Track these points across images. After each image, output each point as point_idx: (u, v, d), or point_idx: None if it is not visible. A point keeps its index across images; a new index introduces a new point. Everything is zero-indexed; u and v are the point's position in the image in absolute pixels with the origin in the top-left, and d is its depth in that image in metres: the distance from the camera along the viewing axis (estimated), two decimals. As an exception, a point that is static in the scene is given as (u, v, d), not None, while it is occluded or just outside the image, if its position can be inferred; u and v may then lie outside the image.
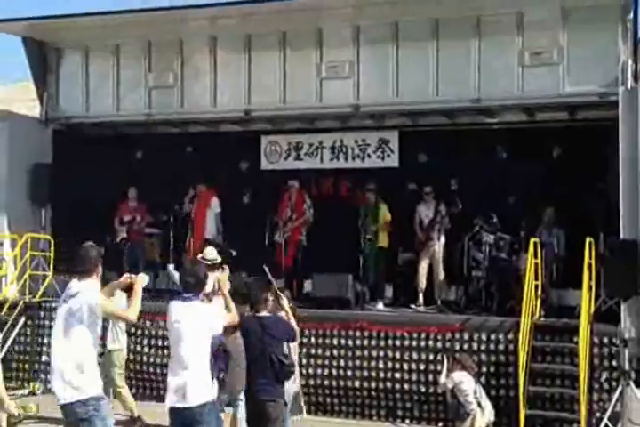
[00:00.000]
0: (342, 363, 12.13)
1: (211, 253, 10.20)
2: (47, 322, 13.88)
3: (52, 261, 14.64)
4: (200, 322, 7.06)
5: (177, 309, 7.19)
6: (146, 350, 13.17)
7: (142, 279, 7.13)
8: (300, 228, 14.45)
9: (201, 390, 6.95)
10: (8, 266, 14.65)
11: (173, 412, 7.06)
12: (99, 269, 6.86)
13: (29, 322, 14.15)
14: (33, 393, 13.43)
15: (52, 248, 14.74)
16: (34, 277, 14.56)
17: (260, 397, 7.81)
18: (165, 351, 12.90)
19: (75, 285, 6.72)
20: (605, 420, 10.65)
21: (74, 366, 6.58)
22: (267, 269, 8.58)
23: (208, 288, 9.66)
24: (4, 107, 17.71)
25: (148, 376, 13.12)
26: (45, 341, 13.76)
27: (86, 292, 6.63)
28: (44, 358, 13.88)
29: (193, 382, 6.92)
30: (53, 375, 6.76)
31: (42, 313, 14.09)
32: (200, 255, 10.31)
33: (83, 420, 6.55)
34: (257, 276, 7.81)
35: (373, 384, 12.03)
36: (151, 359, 13.09)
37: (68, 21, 15.35)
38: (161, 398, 12.57)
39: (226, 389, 8.48)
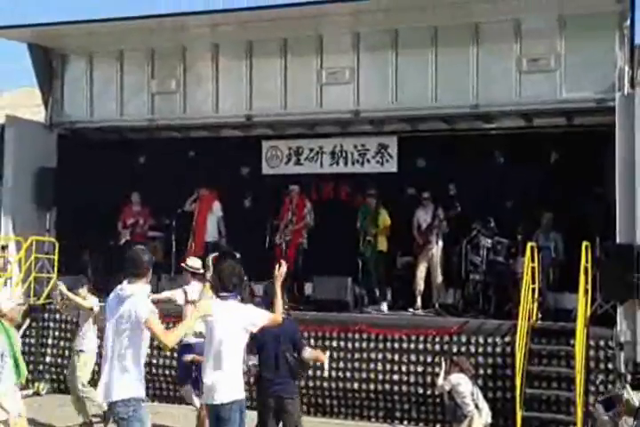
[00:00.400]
0: (341, 365, 12.01)
1: (194, 261, 10.35)
2: (51, 324, 13.97)
3: (56, 264, 14.55)
4: (237, 321, 7.01)
5: (214, 308, 7.10)
6: (148, 351, 12.97)
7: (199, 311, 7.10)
8: (300, 231, 14.36)
9: (233, 389, 6.95)
10: (13, 268, 14.47)
11: (208, 408, 7.16)
12: (149, 273, 6.84)
13: (34, 323, 14.06)
14: (37, 393, 13.35)
15: (57, 251, 14.67)
16: (38, 279, 14.46)
17: (279, 394, 7.97)
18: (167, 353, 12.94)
19: (127, 287, 6.68)
20: (601, 422, 10.47)
21: (120, 366, 6.60)
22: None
23: (194, 296, 9.87)
24: (10, 112, 17.54)
25: (149, 377, 12.97)
26: (50, 342, 13.80)
27: (138, 300, 6.62)
28: (47, 358, 13.86)
29: (226, 380, 6.93)
30: (102, 374, 6.81)
31: (46, 315, 14.02)
32: (183, 264, 10.41)
33: (122, 419, 6.59)
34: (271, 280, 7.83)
35: (372, 386, 11.93)
36: (153, 360, 12.89)
37: (73, 28, 15.19)
38: (162, 398, 12.74)
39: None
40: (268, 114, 14.53)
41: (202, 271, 9.95)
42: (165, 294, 10.43)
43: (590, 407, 10.49)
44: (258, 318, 7.15)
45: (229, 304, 7.10)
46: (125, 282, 6.71)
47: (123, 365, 6.58)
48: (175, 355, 11.20)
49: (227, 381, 6.90)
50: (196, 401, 9.86)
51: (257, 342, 7.88)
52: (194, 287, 10.09)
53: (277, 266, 7.38)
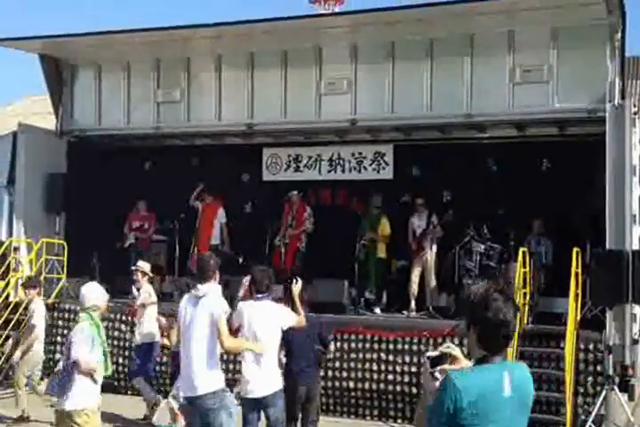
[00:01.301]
0: (337, 365, 11.77)
1: (144, 265, 11.17)
2: (61, 322, 13.80)
3: (65, 265, 14.50)
4: (273, 319, 7.51)
5: (249, 308, 7.57)
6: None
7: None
8: (299, 235, 14.16)
9: (274, 381, 7.45)
10: (24, 269, 14.35)
11: (247, 401, 7.46)
12: (217, 275, 7.36)
13: (44, 322, 13.77)
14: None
15: (66, 252, 14.60)
16: (48, 279, 14.35)
17: (308, 383, 8.47)
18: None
19: (200, 288, 7.19)
20: (590, 423, 10.23)
21: (203, 362, 6.98)
22: None
23: (146, 299, 10.74)
24: (22, 120, 17.35)
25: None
26: (59, 340, 13.52)
27: (212, 299, 7.12)
28: (57, 355, 13.49)
29: (267, 374, 7.37)
30: (183, 371, 7.23)
31: (56, 314, 13.82)
32: (134, 267, 11.23)
33: (211, 410, 6.96)
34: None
35: (367, 385, 11.70)
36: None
37: (83, 40, 15.07)
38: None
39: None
40: (269, 122, 14.37)
41: (152, 275, 11.05)
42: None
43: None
44: (289, 318, 7.64)
45: (264, 304, 7.57)
46: (199, 284, 7.21)
47: (205, 360, 6.97)
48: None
49: (268, 375, 7.36)
50: (152, 392, 10.78)
51: (286, 338, 8.01)
52: (146, 289, 10.99)
53: (294, 281, 7.95)
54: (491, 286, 3.69)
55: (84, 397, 6.63)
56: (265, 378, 7.33)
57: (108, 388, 12.04)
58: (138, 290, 11.23)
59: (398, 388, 11.49)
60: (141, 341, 10.89)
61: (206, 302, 7.02)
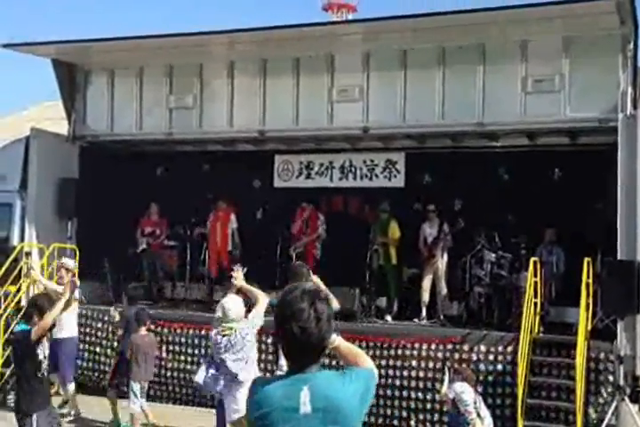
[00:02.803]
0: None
1: (68, 262, 11.92)
2: None
3: (77, 270, 14.13)
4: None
5: None
6: (163, 355, 12.91)
7: None
8: (314, 243, 14.25)
9: None
10: (36, 274, 14.21)
11: None
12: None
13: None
14: (58, 393, 12.98)
15: (78, 258, 14.45)
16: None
17: None
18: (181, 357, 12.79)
19: None
20: (601, 433, 10.27)
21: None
22: None
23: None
24: (35, 125, 17.42)
25: (164, 380, 12.84)
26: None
27: None
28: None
29: None
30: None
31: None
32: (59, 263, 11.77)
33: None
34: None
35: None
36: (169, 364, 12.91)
37: (96, 45, 15.06)
38: (176, 401, 12.58)
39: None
40: (281, 129, 14.36)
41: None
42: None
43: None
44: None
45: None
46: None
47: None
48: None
49: None
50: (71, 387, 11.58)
51: None
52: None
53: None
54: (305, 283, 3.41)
55: None
56: None
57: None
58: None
59: (405, 393, 11.50)
60: (57, 336, 10.98)
61: None
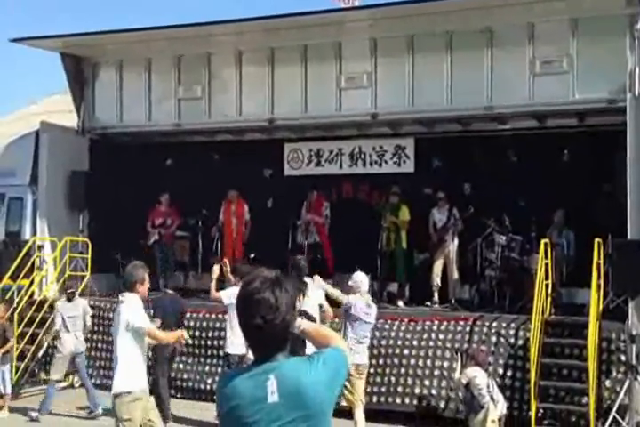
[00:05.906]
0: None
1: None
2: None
3: (89, 263, 14.62)
4: None
5: None
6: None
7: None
8: (324, 232, 14.45)
9: None
10: (48, 267, 14.59)
11: None
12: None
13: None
14: (72, 386, 13.28)
15: (90, 250, 14.72)
16: (72, 277, 14.43)
17: None
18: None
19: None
20: (613, 412, 10.37)
21: None
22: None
23: None
24: (44, 118, 17.62)
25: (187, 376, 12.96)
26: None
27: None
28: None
29: None
30: None
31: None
32: None
33: None
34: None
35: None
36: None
37: (104, 38, 15.33)
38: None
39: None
40: (290, 117, 14.49)
41: None
42: None
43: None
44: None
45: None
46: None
47: None
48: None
49: None
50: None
51: None
52: None
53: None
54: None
55: None
56: None
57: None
58: None
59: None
60: None
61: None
